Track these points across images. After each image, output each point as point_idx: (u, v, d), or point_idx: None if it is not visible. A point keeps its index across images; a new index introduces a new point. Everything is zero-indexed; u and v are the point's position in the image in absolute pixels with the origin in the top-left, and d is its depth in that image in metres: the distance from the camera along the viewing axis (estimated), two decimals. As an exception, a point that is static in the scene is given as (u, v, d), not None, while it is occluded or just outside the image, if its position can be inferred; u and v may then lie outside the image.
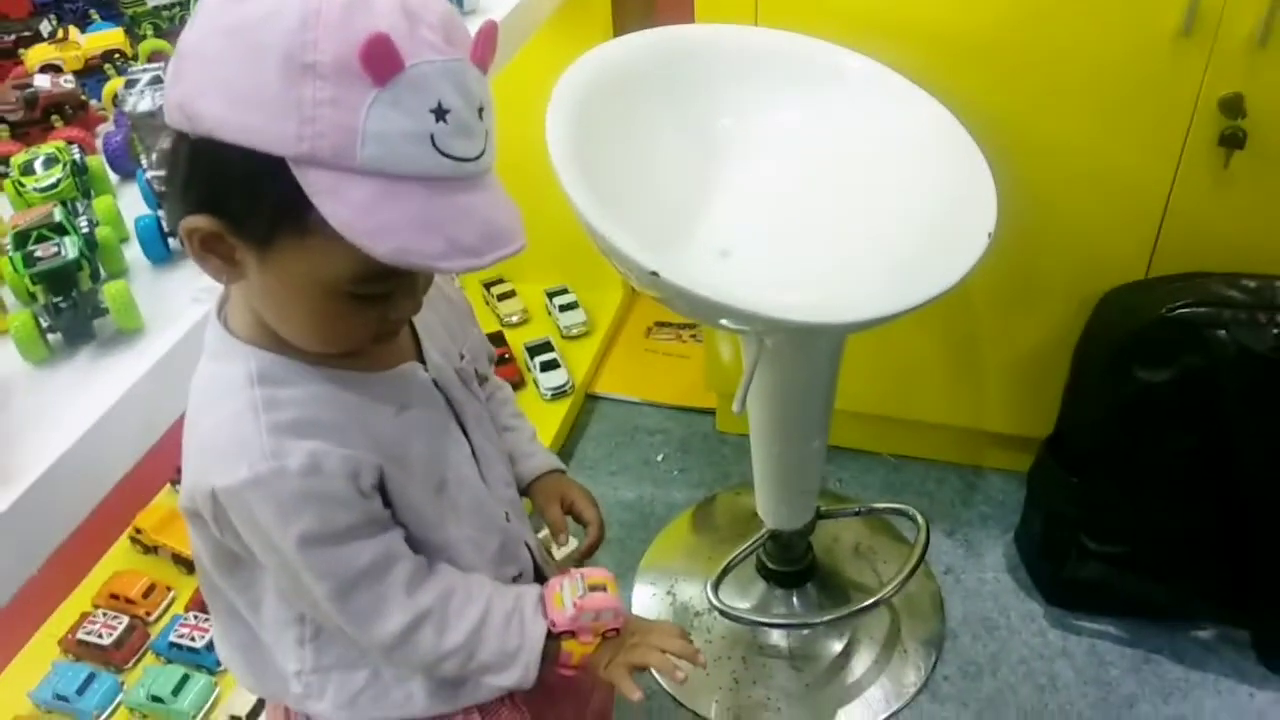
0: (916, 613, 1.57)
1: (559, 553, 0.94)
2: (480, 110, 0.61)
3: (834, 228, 1.17)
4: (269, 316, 0.68)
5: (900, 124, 1.22)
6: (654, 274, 0.97)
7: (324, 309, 0.65)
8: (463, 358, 0.82)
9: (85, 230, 0.91)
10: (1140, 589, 1.48)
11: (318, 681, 0.80)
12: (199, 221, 0.62)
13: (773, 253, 1.16)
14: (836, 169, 1.21)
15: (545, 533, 0.96)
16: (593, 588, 0.78)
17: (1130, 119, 1.33)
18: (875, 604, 1.45)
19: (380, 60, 0.55)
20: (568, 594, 0.78)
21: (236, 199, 0.61)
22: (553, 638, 0.78)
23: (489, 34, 0.62)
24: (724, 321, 1.05)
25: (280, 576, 0.72)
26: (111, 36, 1.18)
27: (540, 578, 0.88)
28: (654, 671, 0.82)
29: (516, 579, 0.85)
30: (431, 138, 0.58)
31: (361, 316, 0.67)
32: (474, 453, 0.81)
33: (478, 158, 0.61)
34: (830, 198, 1.20)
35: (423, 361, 0.77)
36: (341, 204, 0.57)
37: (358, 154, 0.56)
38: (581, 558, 0.92)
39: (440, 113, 0.57)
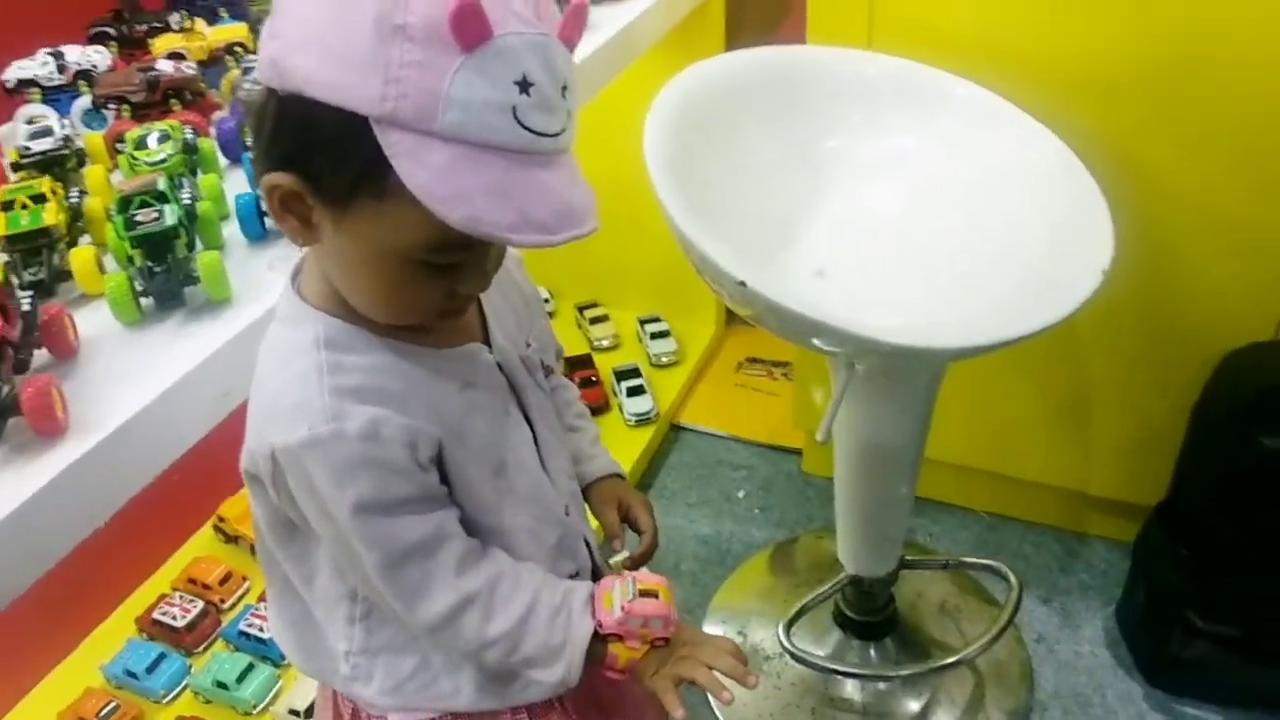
0: (1003, 680, 1.47)
1: (611, 559, 0.91)
2: (564, 89, 0.61)
3: (937, 256, 1.12)
4: (339, 282, 0.68)
5: (1013, 155, 1.17)
6: (742, 284, 0.94)
7: (394, 276, 0.65)
8: (529, 345, 0.81)
9: (187, 202, 0.94)
10: (1252, 676, 1.36)
11: (365, 664, 0.78)
12: (280, 179, 0.63)
13: (870, 277, 1.12)
14: (943, 197, 1.17)
15: (618, 559, 0.93)
16: (644, 593, 0.75)
17: (1267, 169, 1.25)
18: (959, 663, 1.37)
19: (469, 26, 0.56)
20: (618, 596, 0.75)
21: (319, 157, 0.61)
22: (599, 639, 0.75)
23: (578, 12, 0.62)
24: (815, 341, 1.01)
25: (334, 546, 0.71)
26: (235, 30, 1.22)
27: (598, 579, 0.85)
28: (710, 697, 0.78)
29: (574, 577, 0.82)
30: (514, 109, 0.58)
31: (430, 288, 0.66)
32: (535, 440, 0.79)
33: (557, 134, 0.60)
34: (934, 225, 1.15)
35: (489, 344, 0.76)
36: (420, 167, 0.57)
37: (439, 118, 0.56)
38: (632, 566, 0.88)
39: (524, 85, 0.58)
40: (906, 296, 1.10)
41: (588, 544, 0.86)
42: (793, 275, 1.09)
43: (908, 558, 1.41)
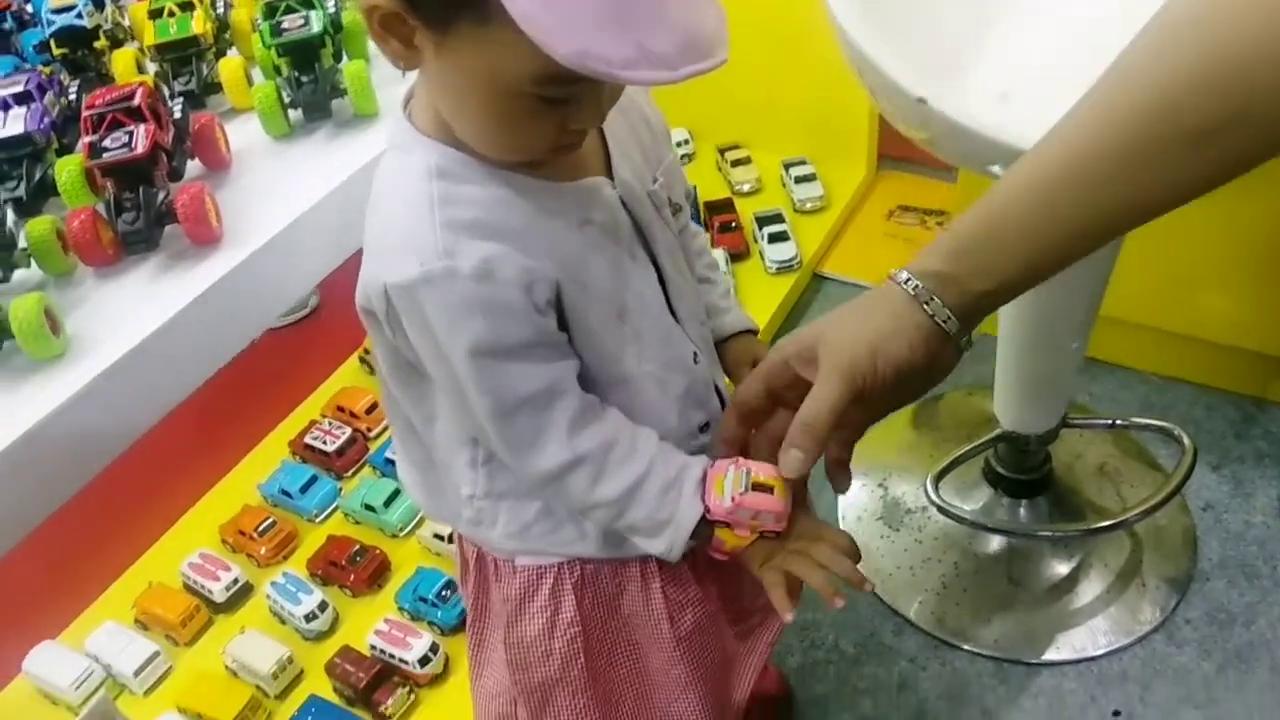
0: (1163, 546, 1.39)
1: None
2: None
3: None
4: (446, 111, 0.63)
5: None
6: (921, 101, 0.85)
7: (500, 110, 0.60)
8: (655, 181, 0.74)
9: (331, 11, 0.90)
10: None
11: (489, 508, 0.76)
12: None
13: (1061, 101, 0.99)
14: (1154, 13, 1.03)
15: None
16: (757, 486, 0.69)
17: None
18: (1118, 525, 1.30)
19: None
20: (730, 485, 0.70)
21: None
22: (706, 522, 0.71)
23: None
24: (995, 169, 0.91)
25: (448, 390, 0.68)
26: None
27: None
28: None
29: (704, 428, 0.78)
30: None
31: (538, 122, 0.60)
32: (662, 282, 0.74)
33: None
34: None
35: (611, 179, 0.70)
36: None
37: None
38: None
39: None
40: (1101, 124, 0.98)
41: (719, 393, 0.81)
42: (975, 96, 0.98)
43: (1070, 417, 1.33)
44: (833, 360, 0.65)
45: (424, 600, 1.32)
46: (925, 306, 0.64)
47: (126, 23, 0.98)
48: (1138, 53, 0.61)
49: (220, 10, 0.95)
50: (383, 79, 0.89)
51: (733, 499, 0.69)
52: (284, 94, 0.85)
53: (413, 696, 1.24)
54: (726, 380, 0.85)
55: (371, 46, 0.95)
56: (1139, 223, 0.61)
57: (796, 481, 0.69)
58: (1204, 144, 0.56)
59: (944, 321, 0.64)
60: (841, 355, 0.65)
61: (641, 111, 0.76)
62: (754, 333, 0.88)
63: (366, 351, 1.68)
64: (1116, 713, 1.24)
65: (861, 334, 0.65)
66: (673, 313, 0.75)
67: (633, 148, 0.73)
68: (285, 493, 1.49)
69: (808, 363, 0.67)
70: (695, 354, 0.77)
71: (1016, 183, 0.63)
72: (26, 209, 0.77)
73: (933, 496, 1.30)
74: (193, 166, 0.82)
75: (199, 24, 0.90)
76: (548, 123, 0.60)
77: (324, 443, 1.53)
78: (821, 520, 0.74)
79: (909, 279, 0.64)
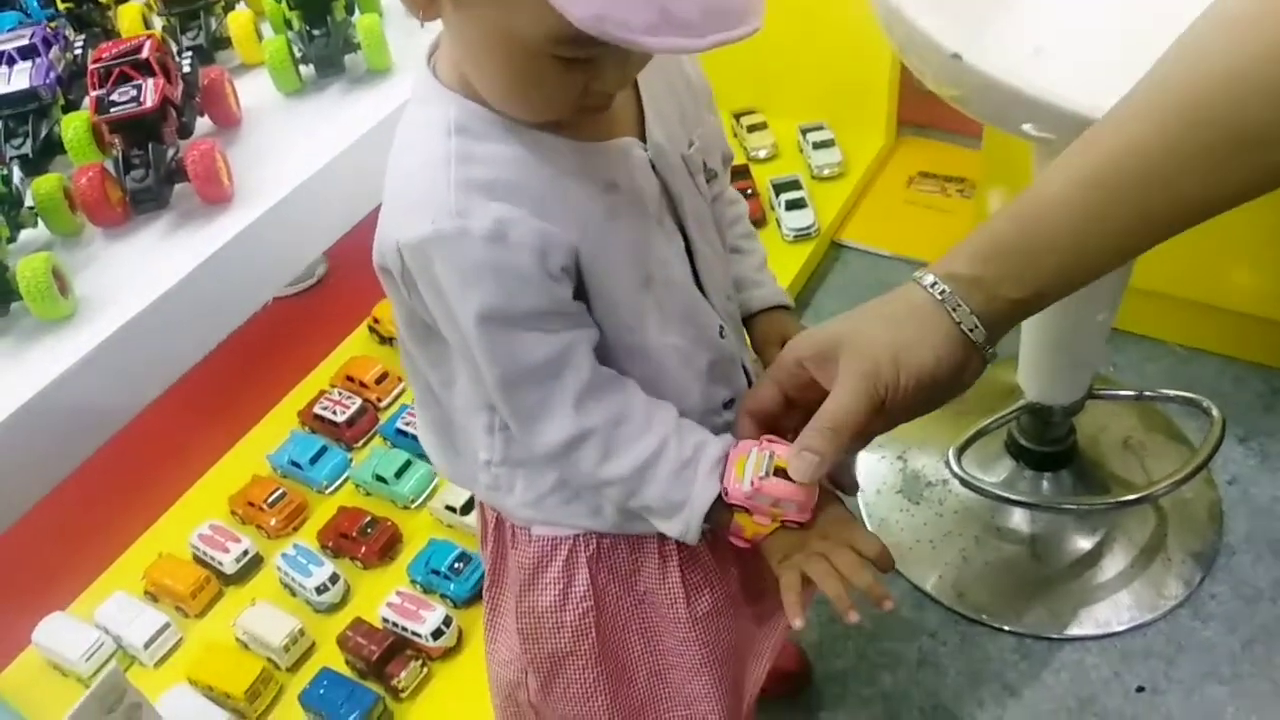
0: (1189, 521, 1.37)
1: None
2: None
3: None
4: (466, 67, 0.60)
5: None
6: (956, 56, 0.83)
7: (518, 68, 0.57)
8: (691, 145, 0.71)
9: (344, -38, 0.87)
10: None
11: (506, 475, 0.74)
12: None
13: (1098, 56, 0.96)
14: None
15: None
16: (779, 471, 0.65)
17: None
18: (1143, 499, 1.27)
19: None
20: (750, 468, 0.65)
21: None
22: (725, 505, 0.67)
23: None
24: (1027, 127, 0.88)
25: (462, 354, 0.66)
26: None
27: None
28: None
29: (728, 405, 0.75)
30: None
31: (559, 82, 0.57)
32: (690, 252, 0.70)
33: None
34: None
35: (644, 139, 0.66)
36: None
37: None
38: None
39: None
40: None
41: (745, 370, 0.77)
42: (1007, 52, 0.95)
43: (1097, 388, 1.30)
44: (854, 366, 0.62)
45: (436, 573, 1.30)
46: (952, 313, 0.61)
47: (132, -23, 0.95)
48: (1185, 50, 0.57)
49: (228, -37, 0.92)
50: (397, 33, 0.86)
51: (752, 483, 0.65)
52: (295, 49, 0.82)
53: (426, 669, 1.23)
54: (754, 356, 0.82)
55: (386, 3, 0.92)
56: (1176, 231, 0.59)
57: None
58: (1257, 149, 0.54)
59: (970, 330, 0.61)
60: (864, 362, 0.61)
61: (682, 69, 0.72)
62: (787, 308, 0.84)
63: (376, 321, 1.65)
64: (1140, 688, 1.22)
65: (884, 340, 0.62)
66: (699, 284, 0.72)
67: (670, 108, 0.69)
68: (295, 463, 1.47)
69: (824, 365, 0.64)
70: (721, 328, 0.74)
71: (1053, 186, 0.60)
72: (33, 166, 0.74)
73: (955, 469, 1.27)
74: (202, 124, 0.80)
75: (207, -24, 0.87)
76: (569, 84, 0.58)
77: (334, 413, 1.51)
78: (853, 518, 0.70)
79: (935, 282, 0.61)
